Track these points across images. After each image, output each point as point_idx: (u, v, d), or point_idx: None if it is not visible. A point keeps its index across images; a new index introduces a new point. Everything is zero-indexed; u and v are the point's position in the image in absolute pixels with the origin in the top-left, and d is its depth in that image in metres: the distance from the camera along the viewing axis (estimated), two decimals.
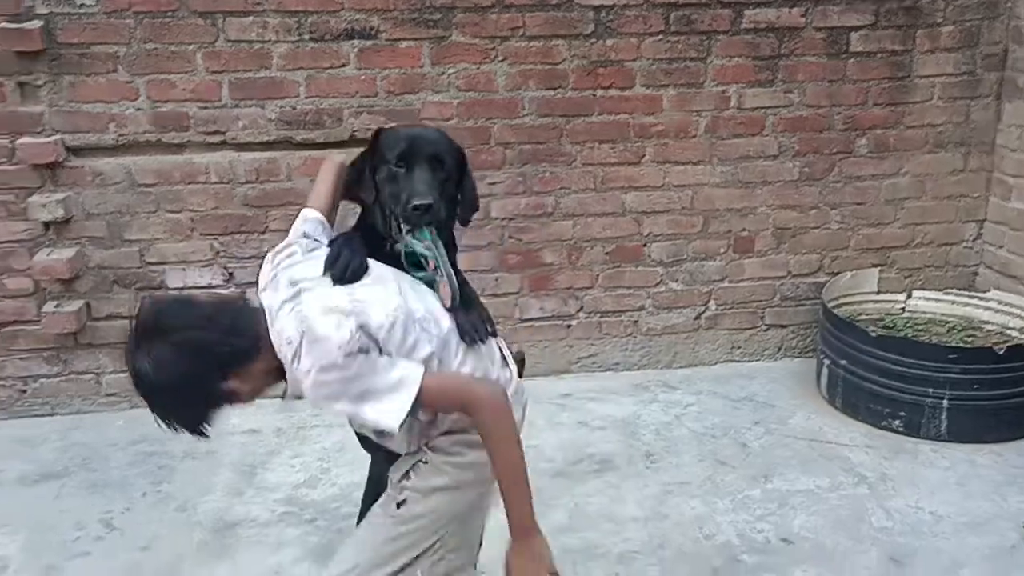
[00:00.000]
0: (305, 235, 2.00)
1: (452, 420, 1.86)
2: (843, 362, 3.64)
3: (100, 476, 3.32)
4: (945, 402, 3.40)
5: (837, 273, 4.12)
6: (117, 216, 3.62)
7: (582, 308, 4.08)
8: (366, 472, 2.33)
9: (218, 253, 3.74)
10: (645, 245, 4.04)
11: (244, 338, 1.76)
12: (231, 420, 3.69)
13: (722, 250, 4.09)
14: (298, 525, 3.00)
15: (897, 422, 3.50)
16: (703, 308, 4.15)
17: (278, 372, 1.78)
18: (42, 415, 3.74)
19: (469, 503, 1.90)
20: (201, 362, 1.70)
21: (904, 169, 4.09)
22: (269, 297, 1.81)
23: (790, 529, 2.96)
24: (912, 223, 4.16)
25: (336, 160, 2.18)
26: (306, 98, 3.65)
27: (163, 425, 1.77)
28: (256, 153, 3.67)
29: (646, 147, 3.92)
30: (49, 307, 3.60)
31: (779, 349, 4.24)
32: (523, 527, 1.73)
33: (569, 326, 4.09)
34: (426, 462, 1.89)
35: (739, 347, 4.22)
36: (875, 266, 4.15)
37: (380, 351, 1.70)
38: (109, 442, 3.54)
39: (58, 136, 3.48)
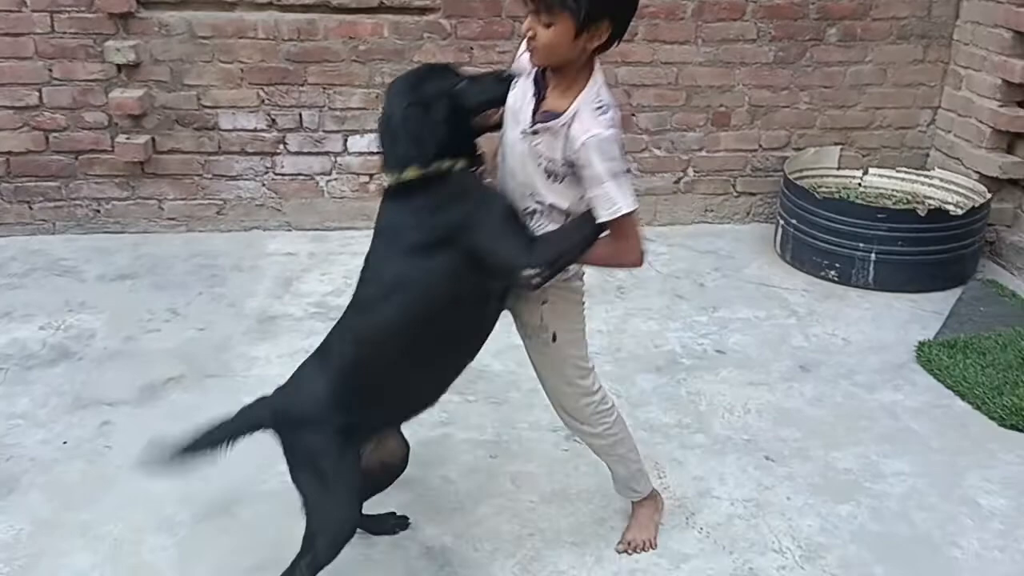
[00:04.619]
0: None
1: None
2: (793, 221, 4.24)
3: (165, 279, 4.02)
4: (873, 256, 4.01)
5: (802, 149, 4.67)
6: (179, 63, 4.22)
7: None
8: None
9: (263, 101, 4.35)
10: (633, 115, 4.59)
11: None
12: (272, 245, 4.40)
13: (701, 123, 4.64)
14: (324, 320, 3.66)
15: (833, 272, 4.12)
16: (682, 174, 4.73)
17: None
18: (114, 232, 4.43)
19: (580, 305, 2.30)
20: None
21: (869, 57, 4.59)
22: None
23: (725, 344, 3.62)
24: (873, 107, 4.68)
25: None
26: None
27: None
28: (298, 14, 4.24)
29: (638, 26, 4.43)
30: (121, 139, 4.25)
31: (747, 214, 4.83)
32: None
33: None
34: (545, 301, 2.20)
35: (712, 210, 4.81)
36: (837, 144, 4.69)
37: None
38: (171, 255, 4.24)
39: None
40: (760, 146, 4.72)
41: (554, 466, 2.82)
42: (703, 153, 4.70)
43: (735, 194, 4.80)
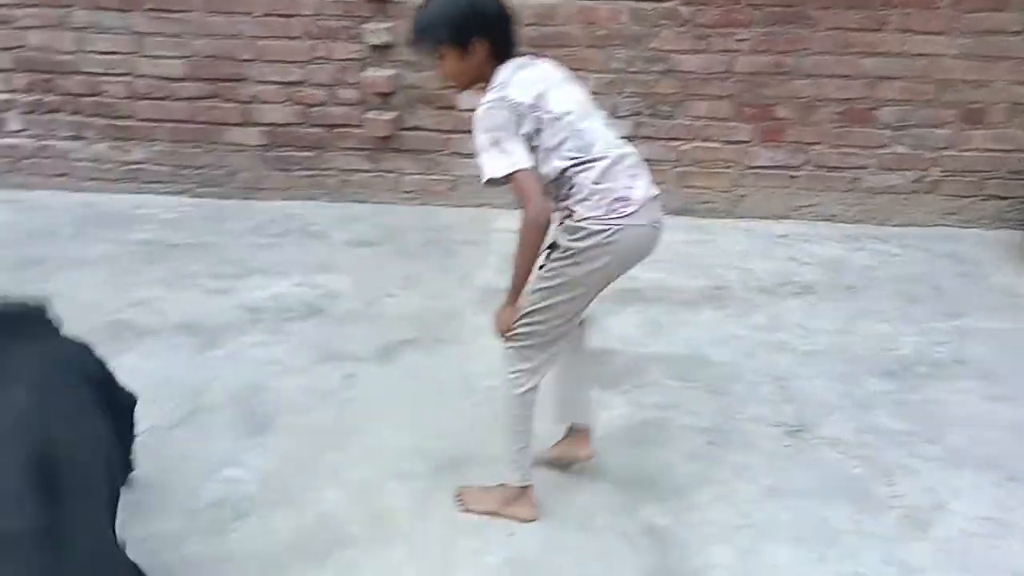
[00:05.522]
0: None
1: (576, 204, 2.25)
2: None
3: (401, 248, 4.29)
4: None
5: None
6: None
7: (808, 162, 4.54)
8: None
9: None
10: (875, 108, 4.39)
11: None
12: (500, 222, 4.58)
13: (951, 119, 4.37)
14: None
15: None
16: (924, 173, 4.48)
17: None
18: (357, 201, 4.77)
19: (580, 273, 2.29)
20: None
21: None
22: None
23: (965, 354, 3.41)
24: None
25: None
26: None
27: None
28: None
29: (890, 16, 4.23)
30: (370, 115, 4.56)
31: (995, 219, 4.51)
32: (507, 295, 2.36)
33: (793, 177, 4.57)
34: (562, 240, 2.32)
35: (955, 213, 4.53)
36: None
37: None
38: (408, 227, 4.52)
39: None
40: (1019, 147, 4.37)
41: (774, 460, 2.79)
42: (950, 152, 4.43)
43: (983, 197, 4.48)
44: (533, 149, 2.22)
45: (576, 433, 2.69)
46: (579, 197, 2.23)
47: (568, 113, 2.23)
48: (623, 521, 2.53)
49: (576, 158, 2.22)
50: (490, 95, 2.20)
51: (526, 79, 2.22)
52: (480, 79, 2.26)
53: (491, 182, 2.19)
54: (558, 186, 2.26)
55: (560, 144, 2.22)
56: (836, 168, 4.52)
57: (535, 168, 2.19)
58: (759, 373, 3.28)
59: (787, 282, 4.00)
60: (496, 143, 2.16)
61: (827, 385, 3.20)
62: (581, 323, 2.60)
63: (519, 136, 2.17)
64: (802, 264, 4.18)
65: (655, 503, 2.59)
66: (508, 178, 2.16)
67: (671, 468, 2.76)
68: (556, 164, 2.22)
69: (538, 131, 2.20)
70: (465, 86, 2.32)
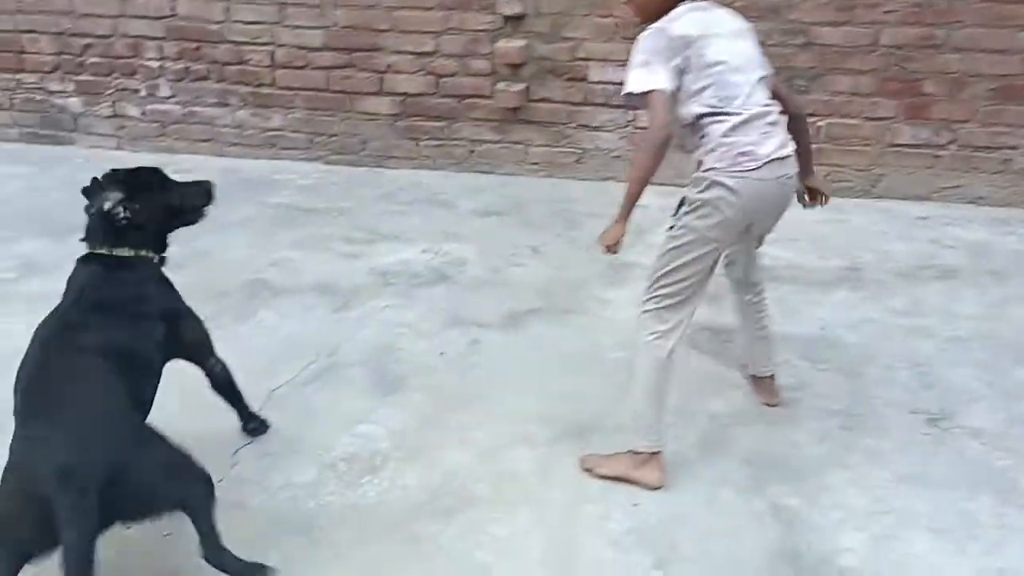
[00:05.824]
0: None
1: (704, 155, 2.30)
2: None
3: (527, 218, 4.32)
4: None
5: None
6: (559, 17, 4.46)
7: (954, 140, 4.31)
8: None
9: None
10: None
11: None
12: None
13: None
14: None
15: None
16: None
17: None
18: (483, 172, 4.82)
19: (705, 226, 2.30)
20: None
21: None
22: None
23: None
24: None
25: None
26: None
27: None
28: None
29: None
30: (500, 86, 4.59)
31: None
32: (618, 214, 2.42)
33: (938, 156, 4.36)
34: (689, 193, 2.36)
35: None
36: None
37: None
38: (533, 198, 4.54)
39: None
40: None
41: (911, 448, 2.68)
42: None
43: None
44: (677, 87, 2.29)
45: (760, 381, 2.88)
46: (707, 148, 2.29)
47: (720, 63, 2.27)
48: (749, 499, 2.48)
49: (714, 107, 2.28)
50: (658, 23, 2.29)
51: (694, 19, 2.30)
52: (662, 15, 2.32)
53: (629, 96, 2.30)
54: (691, 132, 2.33)
55: (702, 90, 2.28)
56: (985, 148, 4.29)
57: (672, 94, 2.27)
58: (896, 357, 3.16)
59: (927, 265, 3.83)
60: (646, 64, 2.26)
61: (971, 373, 3.06)
62: (756, 281, 2.77)
63: (669, 65, 2.25)
64: (944, 247, 3.99)
65: (783, 483, 2.54)
66: (644, 97, 2.25)
67: (800, 449, 2.70)
68: (694, 109, 2.29)
69: (684, 71, 2.27)
70: (646, 19, 2.35)
